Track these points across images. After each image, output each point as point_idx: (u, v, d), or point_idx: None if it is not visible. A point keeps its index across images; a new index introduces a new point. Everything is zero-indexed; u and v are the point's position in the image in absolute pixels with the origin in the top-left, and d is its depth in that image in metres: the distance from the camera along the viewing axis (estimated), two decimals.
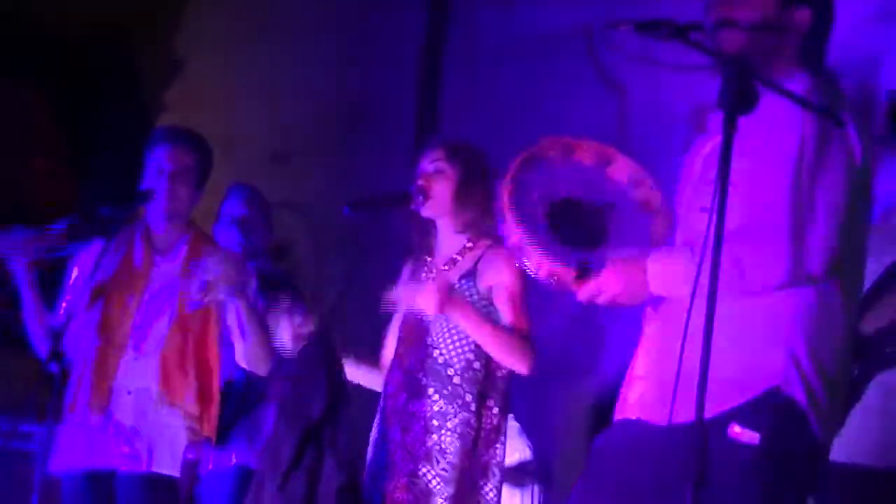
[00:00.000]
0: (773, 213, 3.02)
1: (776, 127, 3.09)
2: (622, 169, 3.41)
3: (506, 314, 4.38)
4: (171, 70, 7.57)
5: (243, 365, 4.82)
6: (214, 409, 4.71)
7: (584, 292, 3.17)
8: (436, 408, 4.31)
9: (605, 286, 3.15)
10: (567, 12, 6.27)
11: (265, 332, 4.79)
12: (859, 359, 3.98)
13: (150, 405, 4.66)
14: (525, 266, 3.23)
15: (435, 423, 4.30)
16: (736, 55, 3.12)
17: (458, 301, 4.32)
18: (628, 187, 3.39)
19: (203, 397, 4.69)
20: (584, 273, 3.16)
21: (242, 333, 4.70)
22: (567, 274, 3.17)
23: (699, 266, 2.86)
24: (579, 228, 3.30)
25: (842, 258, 3.05)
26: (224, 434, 5.09)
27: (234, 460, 5.24)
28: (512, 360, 4.34)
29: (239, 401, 5.20)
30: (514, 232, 3.23)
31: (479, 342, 4.34)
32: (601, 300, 3.17)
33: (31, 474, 4.84)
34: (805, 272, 3.02)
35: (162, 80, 7.52)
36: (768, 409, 3.01)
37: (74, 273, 4.84)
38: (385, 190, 4.56)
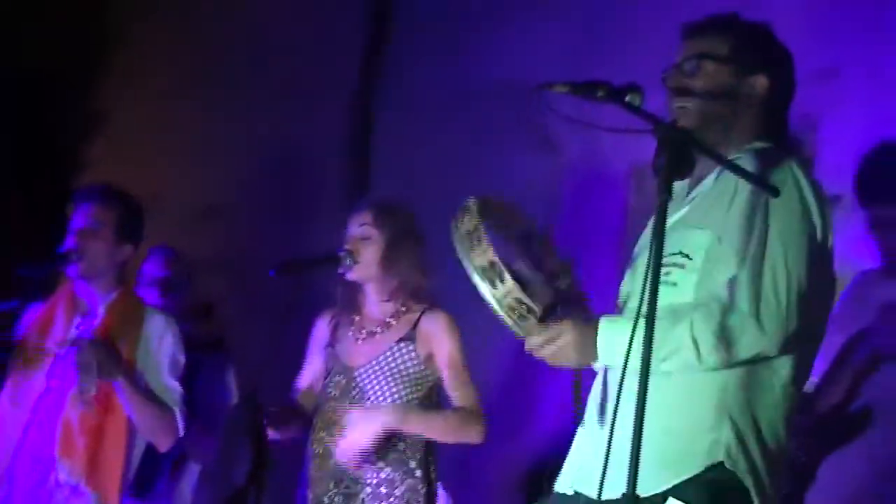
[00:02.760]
0: (728, 293, 3.00)
1: (734, 202, 3.09)
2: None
3: (452, 387, 4.42)
4: (95, 122, 7.51)
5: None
6: (112, 477, 4.61)
7: (536, 338, 3.11)
8: (382, 475, 4.33)
9: (560, 335, 3.09)
10: (502, 68, 6.28)
11: (155, 408, 4.68)
12: (810, 439, 3.98)
13: (49, 472, 4.57)
14: (493, 293, 3.09)
15: (383, 490, 4.32)
16: (690, 123, 3.19)
17: (411, 417, 4.33)
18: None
19: (96, 464, 4.59)
20: (550, 313, 3.11)
21: (127, 409, 4.62)
22: (534, 309, 3.09)
23: (633, 336, 2.81)
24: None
25: (798, 336, 3.02)
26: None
27: None
28: (465, 439, 4.40)
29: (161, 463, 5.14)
30: (487, 254, 3.11)
31: (431, 436, 4.37)
32: (548, 351, 3.11)
33: None
34: (766, 350, 3.01)
35: (86, 131, 7.45)
36: (711, 483, 2.98)
37: None
38: (312, 252, 4.55)
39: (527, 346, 3.15)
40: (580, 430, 3.28)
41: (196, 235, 6.63)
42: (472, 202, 3.19)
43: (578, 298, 3.31)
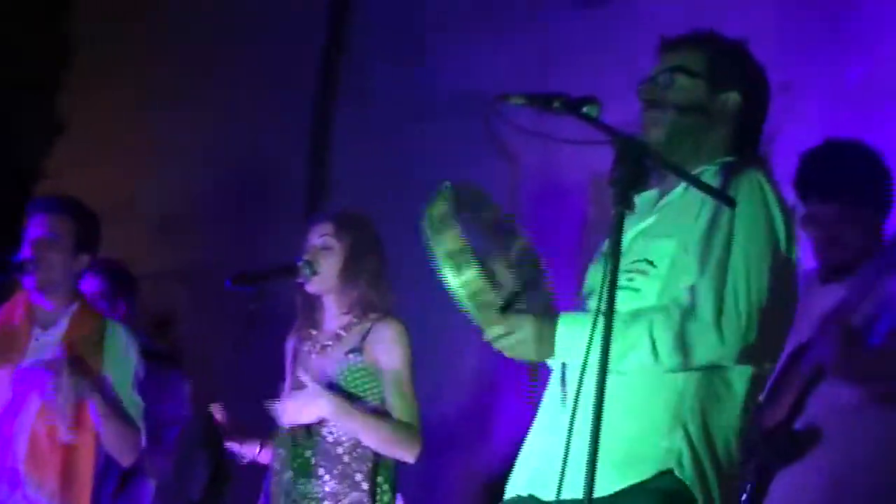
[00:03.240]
0: (690, 298, 3.02)
1: (701, 212, 3.11)
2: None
3: (391, 398, 4.35)
4: (55, 131, 7.47)
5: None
6: (84, 493, 4.58)
7: (496, 329, 3.11)
8: (327, 488, 4.26)
9: (519, 328, 3.10)
10: (461, 77, 6.30)
11: (124, 424, 4.65)
12: (758, 457, 3.99)
13: (15, 486, 4.54)
14: (456, 278, 3.08)
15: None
16: (660, 135, 3.22)
17: (338, 404, 4.27)
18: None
19: (69, 480, 4.55)
20: (510, 304, 3.11)
21: (98, 425, 4.60)
22: (493, 302, 3.09)
23: (591, 338, 2.83)
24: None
25: (759, 347, 3.04)
26: None
27: None
28: (396, 452, 4.32)
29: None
30: (450, 239, 3.10)
31: (362, 438, 4.29)
32: (506, 343, 3.12)
33: None
34: (724, 358, 3.03)
35: (45, 142, 7.41)
36: (658, 492, 2.99)
37: None
38: (271, 263, 4.52)
39: (485, 336, 3.15)
40: (533, 430, 3.28)
41: (157, 246, 6.60)
42: (446, 186, 3.19)
43: (543, 286, 3.32)
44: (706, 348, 3.00)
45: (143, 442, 4.73)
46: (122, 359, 4.75)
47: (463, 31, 6.45)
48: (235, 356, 4.27)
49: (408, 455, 4.32)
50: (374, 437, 4.29)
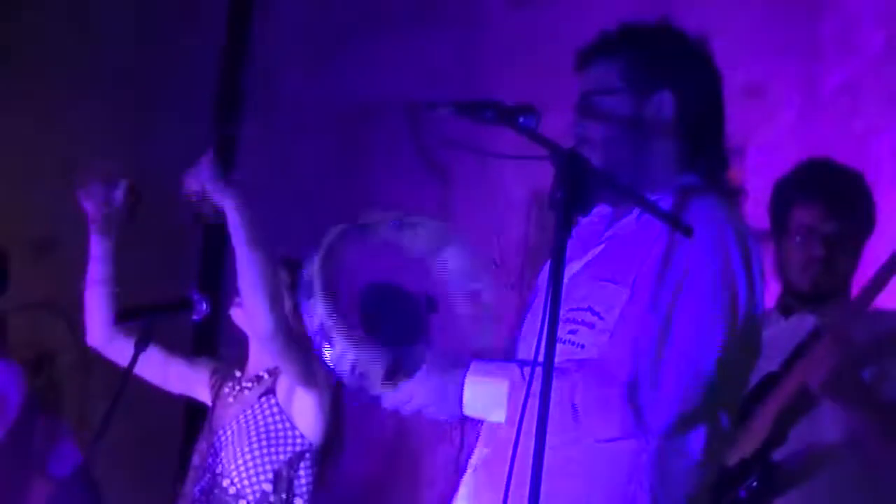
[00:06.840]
0: (628, 357, 2.92)
1: (650, 254, 3.00)
2: (457, 256, 3.25)
3: None
4: None
5: None
6: None
7: (390, 398, 3.04)
8: None
9: (415, 394, 3.02)
10: (382, 81, 6.28)
11: None
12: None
13: None
14: (325, 355, 3.02)
15: None
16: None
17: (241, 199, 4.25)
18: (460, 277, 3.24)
19: None
20: (394, 373, 3.01)
21: None
22: (375, 371, 3.01)
23: (526, 398, 2.78)
24: (395, 321, 3.14)
25: (706, 408, 2.97)
26: None
27: None
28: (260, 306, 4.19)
29: None
30: (318, 311, 3.04)
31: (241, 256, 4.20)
32: (408, 408, 3.05)
33: None
34: (650, 427, 2.93)
35: None
36: None
37: None
38: (160, 296, 4.48)
39: (384, 405, 3.07)
40: (463, 483, 3.19)
41: (27, 274, 6.52)
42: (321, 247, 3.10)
43: (459, 328, 3.20)
44: (633, 416, 2.91)
45: None
46: None
47: (381, 32, 6.45)
48: (115, 400, 4.21)
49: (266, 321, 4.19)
50: (258, 262, 4.19)
